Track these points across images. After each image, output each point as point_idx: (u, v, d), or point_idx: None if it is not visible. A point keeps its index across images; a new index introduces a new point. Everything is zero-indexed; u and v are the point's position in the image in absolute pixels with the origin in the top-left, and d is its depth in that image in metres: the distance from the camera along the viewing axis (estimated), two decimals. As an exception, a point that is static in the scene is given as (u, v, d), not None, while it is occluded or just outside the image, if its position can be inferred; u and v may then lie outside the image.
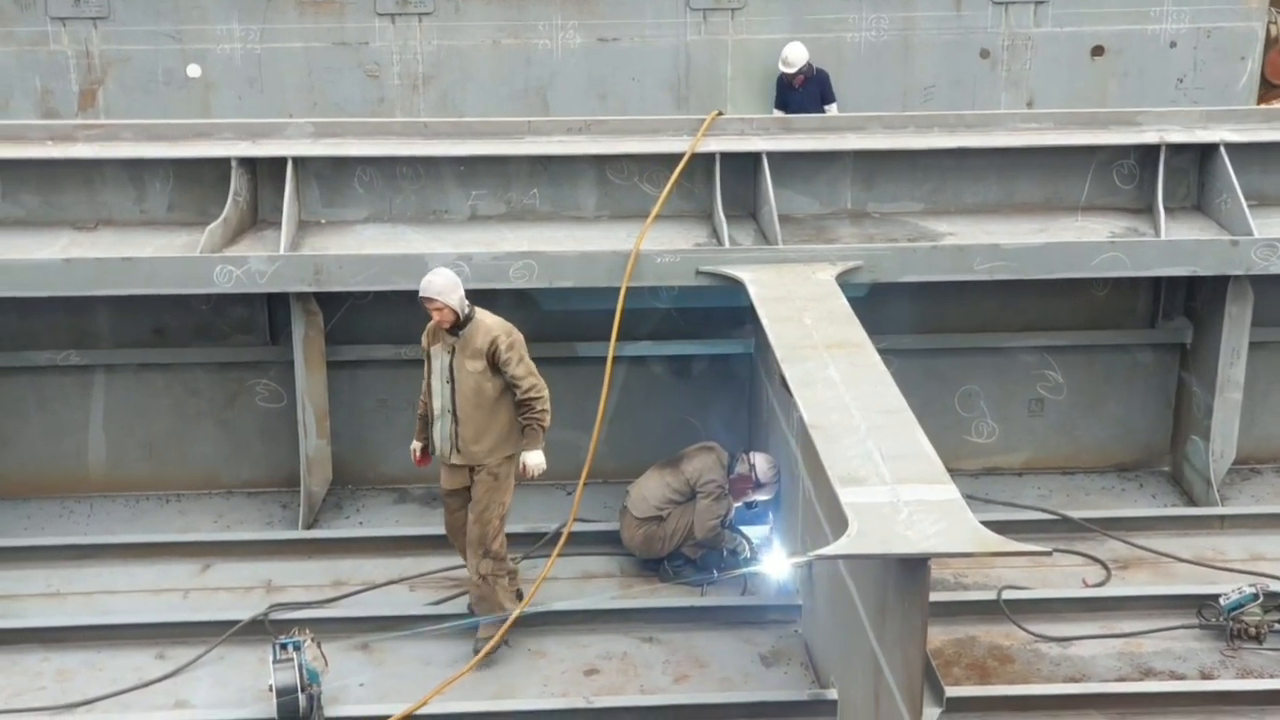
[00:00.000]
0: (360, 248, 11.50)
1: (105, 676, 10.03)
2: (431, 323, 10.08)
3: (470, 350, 9.95)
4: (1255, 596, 10.39)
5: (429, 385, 10.17)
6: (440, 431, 10.11)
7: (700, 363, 12.47)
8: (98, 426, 12.27)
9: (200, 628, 10.39)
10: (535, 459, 10.13)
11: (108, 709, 9.71)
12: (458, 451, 10.06)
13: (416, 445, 10.48)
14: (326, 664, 9.36)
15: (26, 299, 11.37)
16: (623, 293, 11.18)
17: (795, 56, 16.38)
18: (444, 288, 9.89)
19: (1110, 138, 12.13)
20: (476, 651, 10.01)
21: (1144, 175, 12.16)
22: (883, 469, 8.10)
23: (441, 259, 11.09)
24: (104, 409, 12.24)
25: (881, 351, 9.66)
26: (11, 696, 9.84)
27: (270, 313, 12.11)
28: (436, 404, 10.08)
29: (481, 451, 10.03)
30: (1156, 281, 12.41)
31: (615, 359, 11.36)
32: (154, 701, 9.81)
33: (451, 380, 9.99)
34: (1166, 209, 11.85)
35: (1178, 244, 11.59)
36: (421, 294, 9.91)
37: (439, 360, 10.05)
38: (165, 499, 12.35)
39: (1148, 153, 12.08)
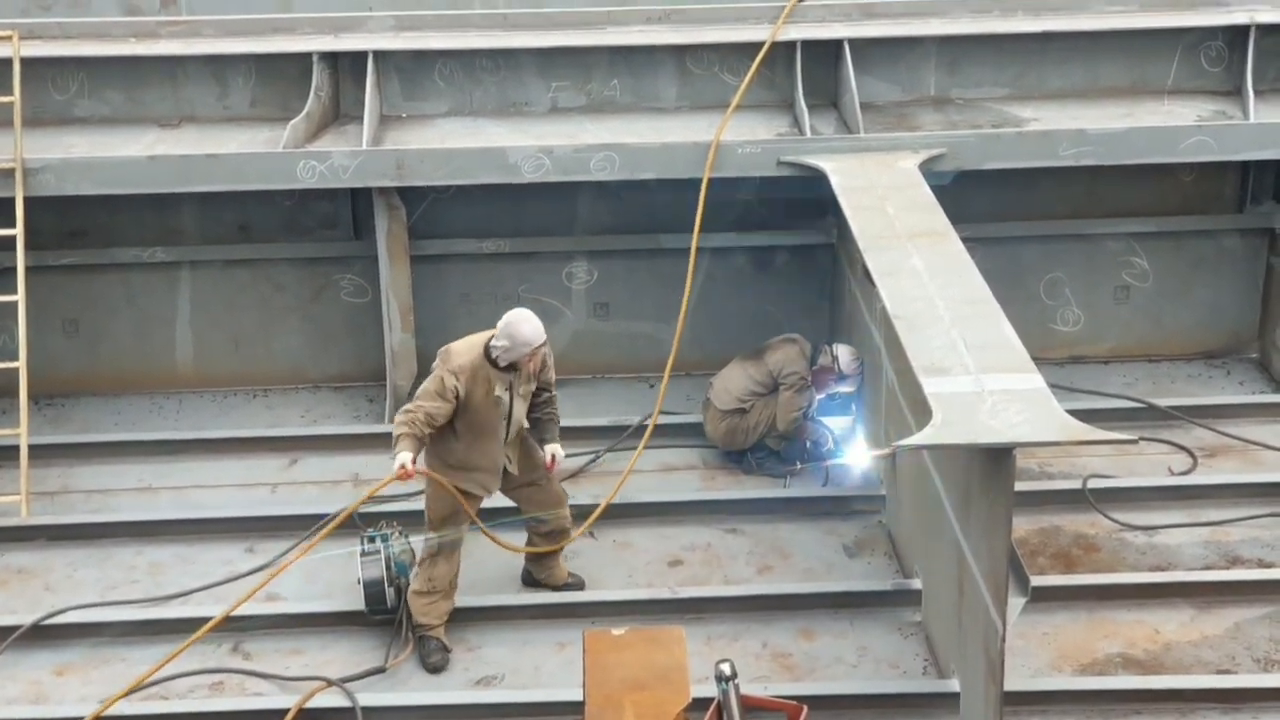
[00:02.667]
0: (441, 141, 11.50)
1: (197, 569, 10.21)
2: (470, 364, 9.10)
3: (524, 376, 9.27)
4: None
5: (482, 437, 9.28)
6: (492, 464, 9.38)
7: (782, 254, 12.42)
8: (185, 323, 12.39)
9: (289, 521, 10.52)
10: (562, 451, 9.69)
11: (200, 601, 9.88)
12: (509, 464, 9.52)
13: (408, 457, 9.03)
14: (414, 557, 9.46)
15: (113, 196, 11.46)
16: (704, 184, 11.14)
17: None
18: (542, 328, 9.15)
19: (1198, 19, 11.90)
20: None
21: (1233, 57, 11.95)
22: (967, 358, 8.06)
23: (522, 152, 11.10)
24: (190, 305, 12.36)
25: (965, 240, 9.58)
26: (107, 589, 10.03)
27: (354, 207, 12.16)
28: (491, 444, 9.31)
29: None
30: (1245, 165, 12.23)
31: (697, 250, 11.34)
32: (245, 594, 9.96)
33: (509, 415, 9.32)
34: (1256, 91, 11.64)
35: (1267, 127, 11.39)
36: (534, 344, 9.05)
37: (501, 402, 9.20)
38: (252, 394, 12.48)
39: (1236, 34, 11.86)
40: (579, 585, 9.98)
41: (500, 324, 9.12)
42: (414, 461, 8.98)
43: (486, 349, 9.12)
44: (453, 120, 11.92)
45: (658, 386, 11.89)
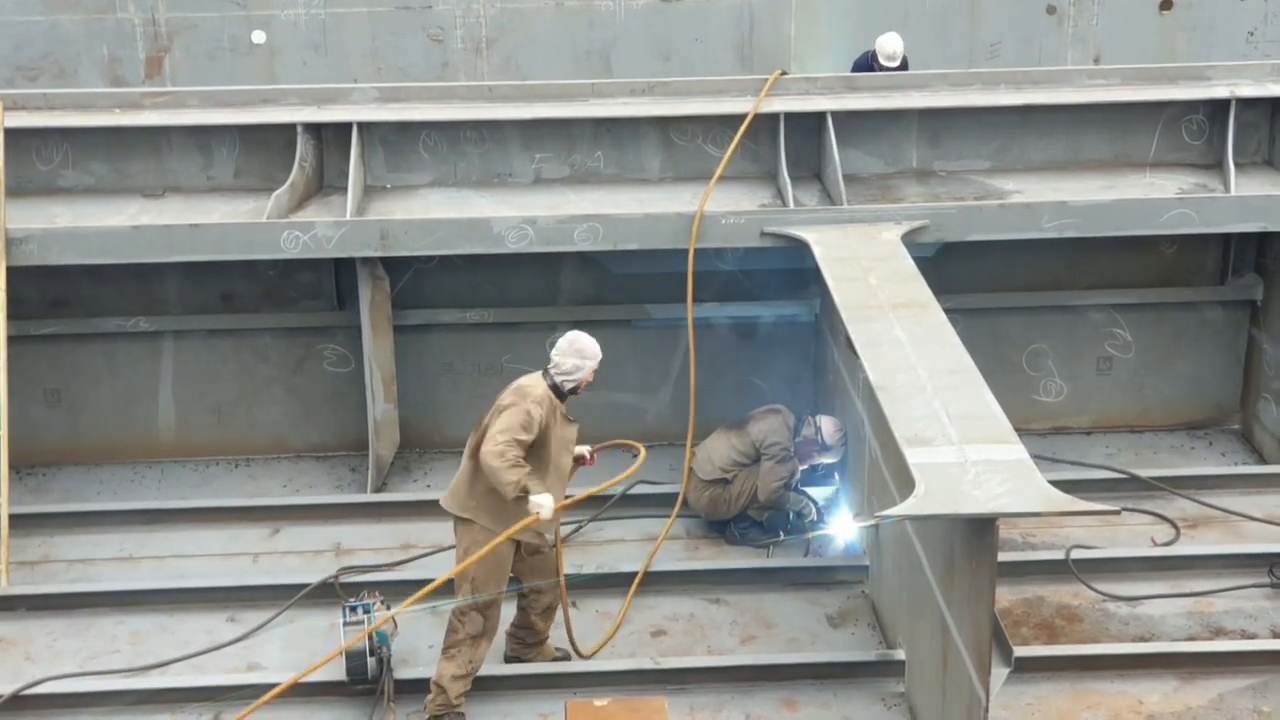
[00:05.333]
0: (426, 212, 11.52)
1: (177, 639, 10.14)
2: (545, 395, 9.06)
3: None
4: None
5: (552, 471, 9.14)
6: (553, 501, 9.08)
7: (765, 324, 12.44)
8: (167, 392, 12.36)
9: (270, 591, 10.47)
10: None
11: (180, 671, 9.82)
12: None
13: (549, 498, 8.91)
14: (396, 626, 9.41)
15: (96, 266, 11.47)
16: (691, 255, 11.17)
17: (897, 47, 15.12)
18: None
19: (1179, 93, 12.00)
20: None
21: (1214, 130, 12.04)
22: (950, 429, 8.07)
23: (506, 223, 11.14)
24: (173, 375, 12.33)
25: (948, 311, 9.62)
26: (87, 659, 9.97)
27: (337, 278, 12.16)
28: (559, 485, 9.17)
29: None
30: (1226, 238, 12.29)
31: (679, 321, 11.36)
32: (226, 664, 9.91)
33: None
34: (1237, 164, 11.72)
35: (1248, 199, 11.46)
36: (599, 356, 9.24)
37: (566, 433, 9.23)
38: (234, 464, 12.45)
39: (1217, 108, 11.96)
40: (566, 658, 9.93)
41: (559, 350, 9.20)
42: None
43: (551, 383, 9.14)
44: (437, 191, 11.96)
45: (640, 456, 11.88)
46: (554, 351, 9.25)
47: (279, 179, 11.58)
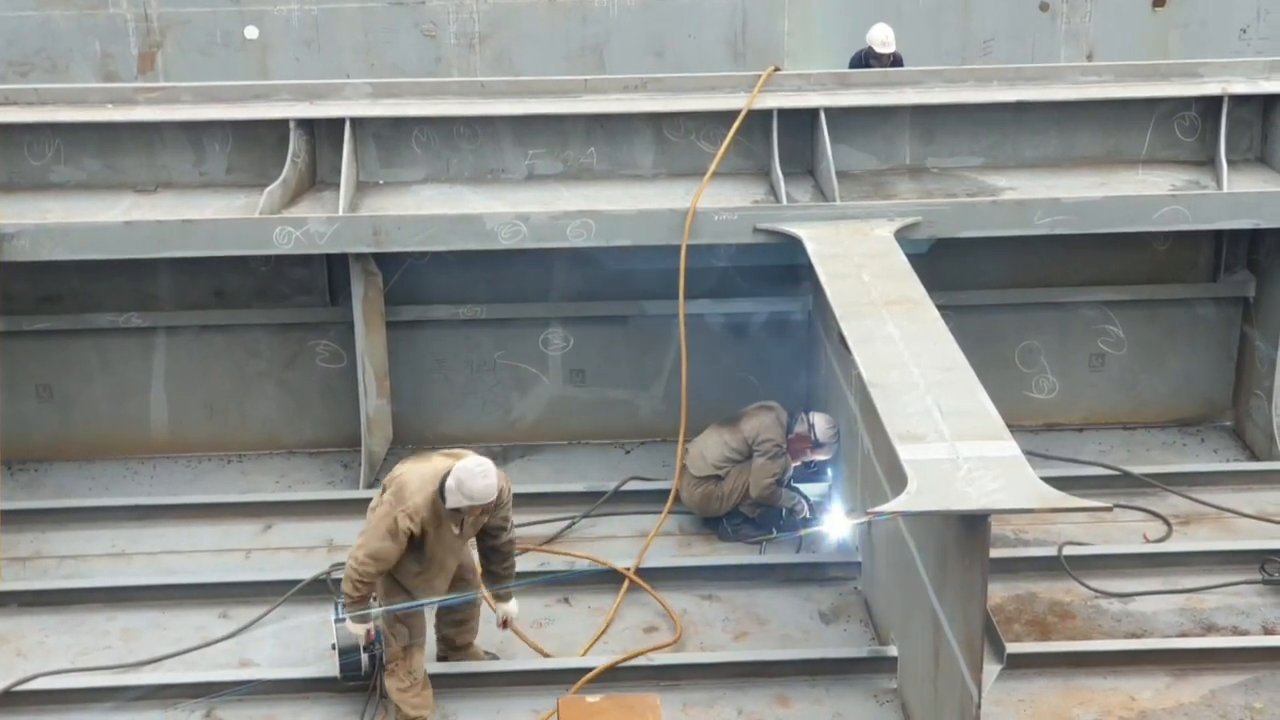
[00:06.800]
0: (418, 208, 11.51)
1: (170, 636, 10.13)
2: (425, 502, 8.79)
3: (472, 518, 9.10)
4: (1319, 551, 10.33)
5: (433, 567, 9.06)
6: (443, 584, 9.21)
7: (758, 321, 12.43)
8: (159, 388, 12.34)
9: (263, 587, 10.46)
10: (515, 610, 9.60)
11: (172, 668, 9.81)
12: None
13: (362, 631, 9.11)
14: (389, 623, 9.40)
15: (88, 262, 11.45)
16: (684, 251, 11.16)
17: (888, 35, 15.38)
18: (495, 485, 8.90)
19: (1171, 90, 11.99)
20: None
21: (1206, 127, 12.04)
22: (942, 426, 8.07)
23: (499, 218, 11.13)
24: (165, 371, 12.32)
25: (940, 308, 9.61)
26: (79, 655, 9.95)
27: (329, 273, 12.15)
28: (442, 573, 9.13)
29: None
30: (1218, 235, 12.29)
31: (672, 317, 11.36)
32: (218, 660, 9.90)
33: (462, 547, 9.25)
34: (1229, 161, 11.72)
35: (1240, 196, 11.47)
36: (478, 502, 8.78)
37: (447, 536, 8.96)
38: (226, 460, 12.43)
39: (1210, 104, 11.96)
40: (495, 658, 9.85)
41: (458, 466, 8.82)
42: (369, 619, 9.01)
43: (441, 484, 8.84)
44: (430, 187, 11.94)
45: (633, 452, 11.91)
46: (453, 470, 8.85)
47: (271, 175, 11.56)
